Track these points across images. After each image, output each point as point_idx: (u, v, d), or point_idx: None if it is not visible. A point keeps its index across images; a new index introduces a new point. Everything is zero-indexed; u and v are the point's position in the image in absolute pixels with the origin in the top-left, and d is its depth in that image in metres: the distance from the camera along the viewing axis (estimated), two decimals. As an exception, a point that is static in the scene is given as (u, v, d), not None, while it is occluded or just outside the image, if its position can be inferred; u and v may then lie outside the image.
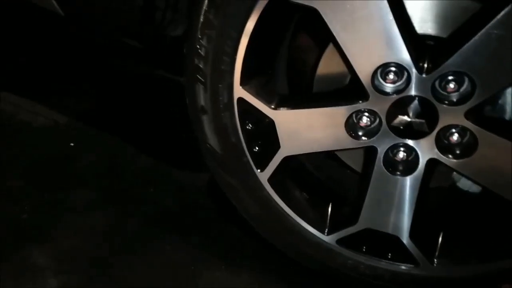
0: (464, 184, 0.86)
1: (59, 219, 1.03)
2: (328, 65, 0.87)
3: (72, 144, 1.18)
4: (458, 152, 0.74)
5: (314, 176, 1.01)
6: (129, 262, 0.98)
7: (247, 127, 0.88)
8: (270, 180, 0.90)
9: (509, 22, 0.62)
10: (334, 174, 1.00)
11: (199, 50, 0.82)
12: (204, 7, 0.78)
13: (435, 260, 0.85)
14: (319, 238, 0.92)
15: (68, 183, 1.12)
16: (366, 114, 0.78)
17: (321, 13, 0.71)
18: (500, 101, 0.75)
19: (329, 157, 0.99)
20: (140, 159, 1.22)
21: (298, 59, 0.92)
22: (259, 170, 0.90)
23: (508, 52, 0.64)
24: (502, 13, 0.62)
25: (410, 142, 0.78)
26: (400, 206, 0.83)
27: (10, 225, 1.01)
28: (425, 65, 0.71)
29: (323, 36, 0.81)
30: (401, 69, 0.72)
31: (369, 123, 0.79)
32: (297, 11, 0.83)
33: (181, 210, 1.12)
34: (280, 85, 0.96)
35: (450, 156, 0.74)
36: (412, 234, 0.85)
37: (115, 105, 1.38)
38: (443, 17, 0.74)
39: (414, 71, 0.70)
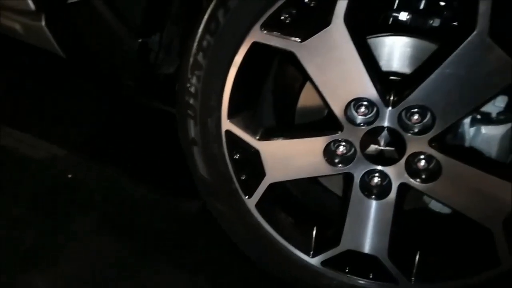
0: (435, 205, 0.93)
1: (61, 246, 1.09)
2: (307, 99, 0.96)
3: (70, 176, 1.25)
4: (425, 176, 0.82)
5: (300, 201, 1.08)
6: (129, 287, 1.03)
7: (235, 156, 0.96)
8: (257, 206, 0.97)
9: (460, 62, 0.71)
10: (318, 199, 1.07)
11: (189, 88, 0.91)
12: (193, 50, 0.88)
13: (413, 278, 0.91)
14: (305, 260, 0.98)
15: (68, 211, 1.18)
16: (342, 143, 0.86)
17: (297, 56, 0.81)
18: (460, 130, 0.84)
19: (313, 182, 1.07)
20: (137, 187, 1.28)
21: (281, 93, 1.01)
22: (247, 197, 0.97)
23: (459, 88, 0.73)
24: (453, 54, 0.72)
25: (383, 168, 0.86)
26: (377, 227, 0.90)
27: (14, 252, 1.06)
28: (392, 99, 0.80)
29: (301, 73, 0.90)
30: (370, 103, 0.80)
31: (345, 151, 0.87)
32: (278, 52, 0.93)
33: (176, 236, 1.18)
34: (268, 117, 1.04)
35: (418, 180, 0.82)
36: (391, 254, 0.91)
37: (111, 136, 1.46)
38: (407, 56, 0.84)
39: (381, 104, 0.79)
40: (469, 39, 0.68)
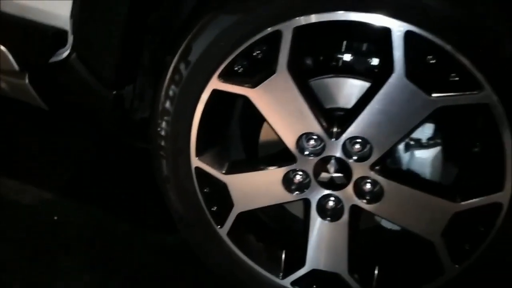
0: (386, 223, 1.03)
1: (50, 286, 1.15)
2: (267, 134, 1.08)
3: (56, 218, 1.33)
4: (370, 198, 0.93)
5: (269, 226, 1.17)
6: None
7: (205, 190, 1.06)
8: (229, 234, 1.07)
9: (385, 99, 0.83)
10: (285, 223, 1.17)
11: (160, 132, 1.02)
12: (161, 99, 1.00)
13: (373, 292, 1.00)
14: (276, 282, 1.07)
15: (56, 251, 1.25)
16: (298, 172, 0.98)
17: (251, 99, 0.93)
18: (397, 155, 0.95)
19: (280, 208, 1.17)
20: (121, 224, 1.36)
21: (246, 129, 1.12)
22: (218, 227, 1.06)
23: (388, 120, 0.85)
24: (379, 92, 0.84)
25: (335, 192, 0.97)
26: (336, 246, 0.99)
27: (3, 294, 1.13)
28: (335, 132, 0.92)
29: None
30: (316, 136, 0.92)
31: (301, 179, 0.98)
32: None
33: (164, 268, 1.26)
34: (237, 151, 1.15)
35: (365, 201, 0.93)
36: (351, 270, 1.00)
37: (95, 175, 1.55)
38: (348, 94, 0.96)
39: (326, 137, 0.91)
40: (389, 80, 0.81)
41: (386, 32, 0.79)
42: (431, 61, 0.79)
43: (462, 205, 0.86)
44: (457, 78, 0.78)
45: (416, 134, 0.93)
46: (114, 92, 1.05)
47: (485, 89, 0.77)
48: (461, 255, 0.90)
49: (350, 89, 0.96)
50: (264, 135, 1.08)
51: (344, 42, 0.96)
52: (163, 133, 1.02)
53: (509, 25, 0.74)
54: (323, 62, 0.98)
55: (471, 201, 0.85)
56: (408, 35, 0.77)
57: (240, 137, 1.11)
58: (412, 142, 0.95)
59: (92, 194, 1.47)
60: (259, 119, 1.04)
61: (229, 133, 1.11)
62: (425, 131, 0.92)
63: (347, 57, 0.96)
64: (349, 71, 0.97)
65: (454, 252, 0.90)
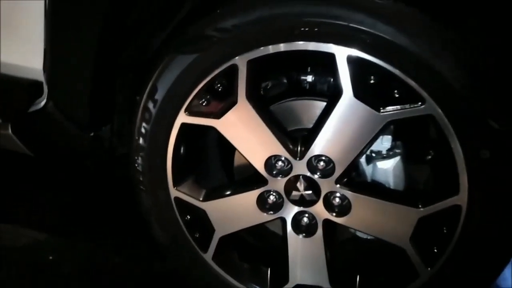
0: (362, 233, 1.08)
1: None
2: (240, 158, 1.13)
3: (51, 257, 1.39)
4: (340, 211, 0.98)
5: (253, 245, 1.22)
6: None
7: (186, 218, 1.12)
8: (214, 258, 1.12)
9: (338, 117, 0.89)
10: (269, 241, 1.22)
11: (137, 167, 1.09)
12: (135, 136, 1.06)
13: (356, 300, 1.04)
14: (262, 300, 1.12)
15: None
16: (271, 193, 1.03)
17: (217, 129, 0.99)
18: (360, 168, 1.01)
19: (262, 227, 1.22)
20: (111, 257, 1.42)
21: (220, 156, 1.18)
22: (203, 252, 1.12)
23: (343, 138, 0.91)
24: (333, 111, 0.90)
25: (307, 209, 1.02)
26: (314, 260, 1.04)
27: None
28: (299, 151, 0.98)
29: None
30: (283, 158, 0.98)
31: (274, 200, 1.04)
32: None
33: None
34: (214, 177, 1.21)
35: (335, 215, 0.98)
36: (332, 282, 1.05)
37: (86, 213, 1.61)
38: (309, 115, 1.02)
39: (291, 158, 0.97)
40: (340, 100, 0.88)
41: (331, 57, 0.86)
42: (374, 81, 0.86)
43: (424, 211, 0.91)
44: (398, 95, 0.84)
45: (376, 147, 0.99)
46: (92, 134, 1.13)
47: (428, 102, 0.83)
48: (431, 258, 0.95)
49: (311, 110, 1.02)
50: (238, 160, 1.15)
51: (301, 68, 1.03)
52: (140, 168, 1.08)
53: (445, 46, 0.80)
54: (284, 87, 1.05)
55: (432, 206, 0.90)
56: (350, 59, 0.84)
57: (216, 163, 1.18)
58: (373, 154, 1.01)
59: (83, 232, 1.53)
60: (231, 146, 1.11)
61: (205, 160, 1.18)
62: (384, 143, 0.98)
63: (305, 81, 1.03)
64: (309, 93, 1.04)
65: (425, 256, 0.95)
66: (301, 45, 0.86)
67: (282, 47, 0.87)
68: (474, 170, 0.84)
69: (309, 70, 1.02)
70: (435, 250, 0.94)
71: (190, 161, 1.13)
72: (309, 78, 1.04)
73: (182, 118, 1.00)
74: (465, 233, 0.90)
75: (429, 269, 0.95)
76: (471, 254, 0.91)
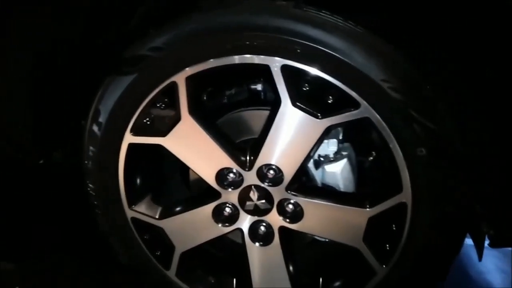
0: (320, 237, 1.10)
1: None
2: (194, 173, 1.14)
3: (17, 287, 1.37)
4: (294, 217, 0.99)
5: (218, 257, 1.23)
6: None
7: (145, 237, 1.12)
8: (177, 275, 1.12)
9: (280, 126, 0.91)
10: (232, 252, 1.22)
11: (91, 191, 1.08)
12: (84, 160, 1.06)
13: (320, 303, 1.06)
14: (230, 310, 1.13)
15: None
16: (226, 206, 1.04)
17: (165, 147, 1.00)
18: (310, 173, 1.03)
19: (225, 237, 1.22)
20: (79, 281, 1.40)
21: (175, 172, 1.19)
22: (165, 270, 1.12)
23: (287, 145, 0.92)
24: (274, 121, 0.91)
25: (263, 218, 1.03)
26: (275, 268, 1.05)
27: None
28: (248, 162, 0.99)
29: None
30: (233, 170, 0.99)
31: (230, 211, 1.05)
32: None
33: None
34: (171, 194, 1.21)
35: (288, 221, 0.99)
36: (294, 287, 1.06)
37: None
38: (256, 125, 1.04)
39: (240, 169, 0.98)
40: (279, 110, 0.89)
41: (267, 68, 0.88)
42: (310, 89, 0.87)
43: (373, 210, 0.93)
44: (332, 101, 0.86)
45: (322, 151, 1.01)
46: (41, 162, 1.12)
47: (362, 106, 0.85)
48: (385, 256, 0.97)
49: (258, 120, 1.03)
50: (193, 174, 1.15)
51: (245, 79, 1.04)
52: (93, 192, 1.08)
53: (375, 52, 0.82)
54: (229, 100, 1.06)
55: (379, 205, 0.92)
56: (284, 68, 0.86)
57: (171, 180, 1.18)
58: (321, 159, 1.02)
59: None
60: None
61: (160, 178, 1.18)
62: (330, 147, 1.00)
63: (250, 91, 1.05)
64: (255, 103, 1.05)
65: (379, 254, 0.97)
66: (235, 59, 0.87)
67: (215, 62, 0.88)
68: (413, 168, 0.87)
69: (252, 81, 1.04)
70: (388, 248, 0.97)
71: (144, 179, 1.13)
72: (254, 89, 1.06)
73: (129, 138, 1.00)
74: (413, 229, 0.92)
75: (384, 266, 0.97)
76: (422, 248, 0.94)
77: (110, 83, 0.96)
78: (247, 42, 0.85)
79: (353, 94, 0.84)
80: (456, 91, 0.83)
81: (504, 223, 0.87)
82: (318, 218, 0.98)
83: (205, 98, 1.03)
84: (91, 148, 1.03)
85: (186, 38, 0.87)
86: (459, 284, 1.50)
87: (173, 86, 0.93)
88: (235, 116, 1.06)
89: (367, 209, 0.93)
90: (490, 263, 1.63)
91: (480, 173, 0.86)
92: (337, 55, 0.82)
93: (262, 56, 0.85)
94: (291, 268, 1.06)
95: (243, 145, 1.03)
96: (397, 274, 0.97)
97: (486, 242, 0.99)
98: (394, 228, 0.94)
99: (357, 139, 1.01)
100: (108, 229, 1.12)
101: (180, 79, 0.92)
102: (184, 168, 1.15)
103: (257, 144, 0.98)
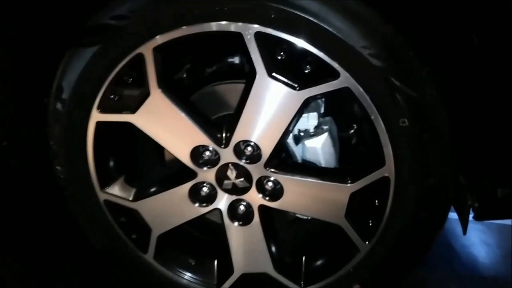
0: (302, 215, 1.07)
1: None
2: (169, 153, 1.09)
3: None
4: (274, 195, 0.95)
5: (198, 238, 1.19)
6: None
7: (121, 220, 1.07)
8: (155, 258, 1.08)
9: (256, 99, 0.86)
10: (213, 233, 1.19)
11: (59, 174, 1.02)
12: (50, 141, 0.99)
13: (302, 283, 1.03)
14: (211, 293, 1.10)
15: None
16: (203, 185, 1.00)
17: (134, 124, 0.94)
18: (289, 149, 0.98)
19: (205, 218, 1.18)
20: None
21: (149, 152, 1.13)
22: (143, 253, 1.08)
23: (264, 119, 0.87)
24: (250, 94, 0.86)
25: (242, 197, 0.99)
26: (255, 248, 1.02)
27: None
28: (224, 139, 0.94)
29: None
30: (209, 147, 0.94)
31: (207, 191, 1.00)
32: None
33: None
34: (146, 174, 1.16)
35: (268, 199, 0.95)
36: (276, 267, 1.03)
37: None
38: (232, 99, 0.98)
39: (217, 146, 0.93)
40: (255, 81, 0.84)
41: (240, 37, 0.82)
42: (288, 58, 0.81)
43: (355, 185, 0.89)
44: (310, 70, 0.81)
45: (302, 125, 0.97)
46: (5, 143, 1.06)
47: (342, 75, 0.80)
48: (368, 232, 0.94)
49: (235, 94, 0.98)
50: (169, 154, 1.10)
51: (218, 50, 0.98)
52: (61, 175, 1.02)
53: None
54: (202, 73, 1.00)
55: (361, 180, 0.88)
56: (258, 36, 0.80)
57: (146, 159, 1.12)
58: (301, 134, 0.98)
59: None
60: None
61: (134, 157, 1.12)
62: (310, 121, 0.96)
63: (225, 64, 0.99)
64: (230, 77, 1.00)
65: (361, 231, 0.94)
66: (204, 26, 0.81)
67: (185, 30, 0.81)
68: (396, 140, 0.83)
69: (226, 52, 0.98)
70: (370, 224, 0.94)
71: (116, 159, 1.07)
72: (230, 61, 1.00)
73: (96, 116, 0.94)
74: (396, 204, 0.89)
75: (367, 243, 0.95)
76: (405, 224, 0.91)
77: (72, 56, 0.89)
78: (216, 8, 0.79)
79: (332, 62, 0.78)
80: (440, 58, 0.79)
81: (488, 195, 0.84)
82: (298, 196, 0.94)
83: (176, 71, 0.97)
84: (56, 127, 0.97)
85: (150, 5, 0.80)
86: (443, 257, 1.50)
87: (140, 58, 0.87)
88: (210, 90, 1.00)
89: (349, 185, 0.90)
90: (474, 236, 1.64)
91: (464, 144, 0.83)
92: (313, 20, 0.76)
93: (233, 23, 0.79)
94: (272, 247, 1.03)
95: (220, 121, 0.98)
96: (380, 250, 0.95)
97: (471, 216, 0.97)
98: (376, 204, 0.92)
99: (338, 112, 0.97)
100: (80, 213, 1.07)
101: (147, 50, 0.85)
102: (159, 146, 1.10)
103: (233, 119, 0.93)
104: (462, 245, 1.56)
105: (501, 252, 1.55)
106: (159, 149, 1.09)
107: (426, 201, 0.88)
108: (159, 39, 0.84)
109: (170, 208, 1.02)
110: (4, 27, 0.90)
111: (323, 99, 0.97)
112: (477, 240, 1.59)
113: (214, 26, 0.80)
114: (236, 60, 1.02)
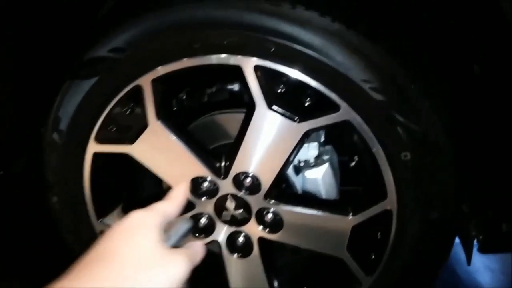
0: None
1: None
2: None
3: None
4: (273, 227, 0.93)
5: (197, 270, 1.16)
6: None
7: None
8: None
9: (255, 130, 0.84)
10: (214, 263, 1.16)
11: (55, 205, 1.00)
12: (46, 171, 0.98)
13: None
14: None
15: None
16: (201, 216, 0.98)
17: (132, 155, 0.92)
18: (289, 180, 0.97)
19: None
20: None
21: (147, 181, 1.12)
22: None
23: (265, 150, 0.86)
24: (250, 125, 0.85)
25: (241, 228, 0.97)
26: (256, 280, 0.99)
27: None
28: (223, 169, 0.92)
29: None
30: (207, 178, 0.93)
31: (206, 222, 0.98)
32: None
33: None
34: (144, 203, 1.13)
35: (269, 231, 0.93)
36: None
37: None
38: (232, 129, 0.97)
39: (215, 177, 0.92)
40: (255, 113, 0.83)
41: (239, 69, 0.81)
42: (288, 91, 0.81)
43: (356, 218, 0.88)
44: (310, 103, 0.80)
45: (303, 156, 0.96)
46: (1, 172, 1.04)
47: (343, 108, 0.79)
48: (370, 266, 0.92)
49: (234, 123, 0.97)
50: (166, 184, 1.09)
51: (218, 80, 0.97)
52: (58, 206, 1.01)
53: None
54: (201, 102, 1.00)
55: (363, 212, 0.87)
56: (257, 69, 0.80)
57: (144, 189, 1.11)
58: (301, 164, 0.97)
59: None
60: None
61: (132, 187, 1.11)
62: (311, 151, 0.94)
63: (224, 94, 0.98)
64: (230, 106, 0.99)
65: (364, 264, 0.92)
66: (204, 59, 0.80)
67: (185, 62, 0.81)
68: (398, 173, 0.81)
69: (228, 81, 0.98)
70: (373, 257, 0.92)
71: (114, 189, 1.06)
72: (229, 90, 0.99)
73: (93, 147, 0.93)
74: (399, 237, 0.87)
75: (369, 276, 0.93)
76: (408, 258, 0.89)
77: (70, 87, 0.88)
78: (215, 41, 0.78)
79: (332, 95, 0.78)
80: (442, 91, 0.79)
81: (493, 229, 0.83)
82: (299, 228, 0.92)
83: (174, 101, 0.97)
84: (52, 158, 0.96)
85: (149, 38, 0.80)
86: (447, 283, 1.48)
87: (139, 90, 0.87)
88: (209, 119, 0.99)
89: (351, 217, 0.88)
90: (478, 261, 1.61)
91: (468, 177, 0.82)
92: (313, 54, 0.75)
93: (232, 56, 0.79)
94: (272, 280, 1.01)
95: (218, 151, 0.97)
96: (382, 284, 0.93)
97: (475, 247, 0.95)
98: (379, 237, 0.90)
99: (339, 141, 0.96)
100: (76, 245, 1.05)
101: (145, 82, 0.84)
102: (155, 177, 1.08)
103: (232, 150, 0.92)
104: (466, 271, 1.53)
105: (505, 278, 1.53)
106: (158, 178, 1.08)
107: (430, 235, 0.86)
108: (158, 71, 0.83)
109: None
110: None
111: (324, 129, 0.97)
112: (481, 266, 1.56)
113: (214, 59, 0.79)
114: (236, 88, 1.01)
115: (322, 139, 0.97)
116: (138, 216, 0.56)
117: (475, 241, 0.95)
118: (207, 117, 0.99)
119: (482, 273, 1.53)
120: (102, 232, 1.02)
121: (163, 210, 0.58)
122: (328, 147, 0.97)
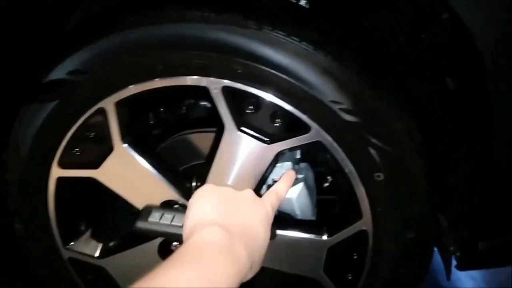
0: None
1: None
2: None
3: None
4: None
5: None
6: None
7: (87, 278, 1.01)
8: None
9: (226, 151, 0.82)
10: None
11: (20, 233, 0.95)
12: (8, 198, 0.93)
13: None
14: None
15: None
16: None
17: (98, 180, 0.88)
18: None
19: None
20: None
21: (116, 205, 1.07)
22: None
23: (236, 169, 0.82)
24: (220, 145, 0.82)
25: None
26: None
27: None
28: (194, 191, 0.88)
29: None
30: (177, 202, 0.89)
31: (177, 247, 0.95)
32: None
33: None
34: (113, 228, 1.09)
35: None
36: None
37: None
38: (200, 149, 0.94)
39: (185, 201, 0.88)
40: (224, 134, 0.80)
41: (206, 90, 0.78)
42: (257, 112, 0.78)
43: (333, 239, 0.85)
44: (281, 124, 0.78)
45: (276, 175, 0.93)
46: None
47: (313, 129, 0.77)
48: (347, 286, 0.90)
49: (204, 143, 0.94)
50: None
51: (187, 99, 0.94)
52: (22, 234, 0.96)
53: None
54: (169, 122, 0.96)
55: (339, 233, 0.85)
56: (225, 90, 0.77)
57: (114, 213, 1.07)
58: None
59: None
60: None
61: (99, 211, 1.07)
62: (284, 171, 0.92)
63: (194, 113, 0.95)
64: (200, 125, 0.96)
65: (341, 285, 0.90)
66: (168, 81, 0.77)
67: (147, 85, 0.78)
68: (372, 193, 0.80)
69: (195, 101, 0.95)
70: (350, 278, 0.90)
71: (81, 214, 1.01)
72: (199, 110, 0.96)
73: (56, 172, 0.88)
74: (376, 257, 0.85)
75: (347, 298, 0.91)
76: (385, 277, 0.88)
77: (28, 112, 0.84)
78: (180, 62, 0.75)
79: (302, 116, 0.75)
80: (415, 110, 0.77)
81: (470, 247, 0.82)
82: (273, 249, 0.89)
83: (141, 122, 0.93)
84: (14, 184, 0.91)
85: (109, 59, 0.76)
86: (429, 292, 1.47)
87: (102, 113, 0.83)
88: (179, 139, 0.96)
89: (326, 239, 0.86)
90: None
91: (444, 196, 0.81)
92: (280, 74, 0.73)
93: (196, 77, 0.76)
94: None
95: (188, 172, 0.94)
96: (362, 305, 0.91)
97: (453, 264, 0.94)
98: (355, 257, 0.88)
99: (313, 163, 0.93)
100: (45, 273, 1.00)
101: (108, 104, 0.81)
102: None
103: (203, 171, 0.89)
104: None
105: (488, 287, 1.53)
106: (127, 202, 1.04)
107: (407, 254, 0.85)
108: (122, 94, 0.80)
109: (139, 265, 0.96)
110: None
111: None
112: (463, 274, 1.56)
113: (179, 80, 0.76)
114: (206, 108, 0.98)
115: (298, 156, 0.95)
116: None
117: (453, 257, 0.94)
118: (177, 137, 0.96)
119: (464, 281, 1.52)
120: (70, 259, 0.99)
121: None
122: (303, 165, 0.94)
